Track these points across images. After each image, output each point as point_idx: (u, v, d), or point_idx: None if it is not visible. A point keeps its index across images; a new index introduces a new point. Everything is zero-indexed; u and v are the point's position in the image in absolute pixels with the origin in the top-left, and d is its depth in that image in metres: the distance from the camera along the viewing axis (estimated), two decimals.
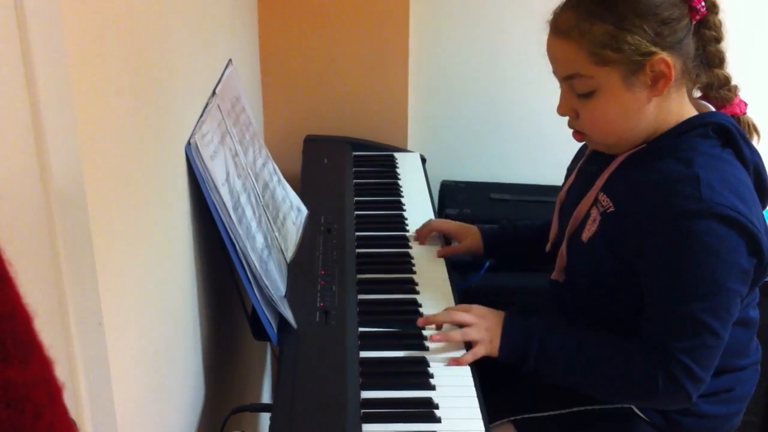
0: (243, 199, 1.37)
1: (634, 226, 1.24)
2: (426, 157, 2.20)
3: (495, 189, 2.29)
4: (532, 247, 1.59)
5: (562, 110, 1.32)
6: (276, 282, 1.37)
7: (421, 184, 2.03)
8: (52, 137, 0.64)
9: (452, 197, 2.23)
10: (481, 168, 2.41)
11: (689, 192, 1.19)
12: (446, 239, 1.74)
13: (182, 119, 1.23)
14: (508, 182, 2.35)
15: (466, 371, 1.30)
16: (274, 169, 1.67)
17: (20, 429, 0.45)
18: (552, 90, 1.34)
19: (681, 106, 1.28)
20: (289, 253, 1.54)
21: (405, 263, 1.62)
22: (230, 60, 1.61)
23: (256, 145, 1.59)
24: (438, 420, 1.18)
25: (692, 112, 1.29)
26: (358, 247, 1.67)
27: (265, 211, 1.48)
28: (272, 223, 1.50)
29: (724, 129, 1.27)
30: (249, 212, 1.37)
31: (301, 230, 1.64)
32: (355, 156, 2.14)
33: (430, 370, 1.29)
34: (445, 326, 1.37)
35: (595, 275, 1.33)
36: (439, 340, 1.33)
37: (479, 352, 1.32)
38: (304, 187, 1.88)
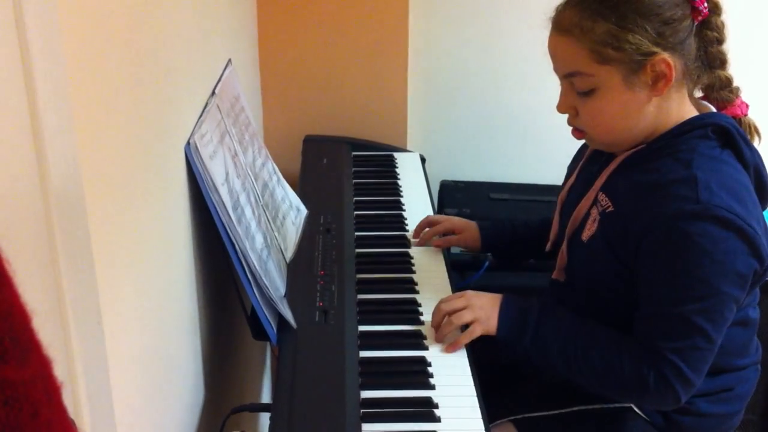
0: (242, 198, 1.37)
1: (633, 225, 1.24)
2: (425, 156, 2.20)
3: (494, 189, 2.29)
4: (529, 244, 1.59)
5: (561, 108, 1.32)
6: (275, 282, 1.36)
7: (421, 183, 2.03)
8: (50, 137, 0.64)
9: (451, 197, 2.23)
10: (480, 168, 2.41)
11: (686, 193, 1.19)
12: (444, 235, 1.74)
13: (181, 119, 1.23)
14: (507, 182, 2.36)
15: (466, 371, 1.29)
16: (274, 168, 1.67)
17: (18, 428, 0.45)
18: (551, 90, 1.34)
19: (681, 106, 1.28)
20: (289, 253, 1.54)
21: (404, 263, 1.62)
22: (230, 60, 1.61)
23: (255, 145, 1.59)
24: (438, 419, 1.18)
25: (692, 113, 1.29)
26: (358, 246, 1.67)
27: (264, 210, 1.48)
28: (272, 223, 1.50)
29: (724, 130, 1.26)
30: (248, 212, 1.37)
31: (300, 230, 1.64)
32: (355, 156, 2.14)
33: (430, 369, 1.29)
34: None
35: (595, 275, 1.33)
36: (452, 351, 1.33)
37: (476, 330, 1.32)
38: (303, 186, 1.88)
